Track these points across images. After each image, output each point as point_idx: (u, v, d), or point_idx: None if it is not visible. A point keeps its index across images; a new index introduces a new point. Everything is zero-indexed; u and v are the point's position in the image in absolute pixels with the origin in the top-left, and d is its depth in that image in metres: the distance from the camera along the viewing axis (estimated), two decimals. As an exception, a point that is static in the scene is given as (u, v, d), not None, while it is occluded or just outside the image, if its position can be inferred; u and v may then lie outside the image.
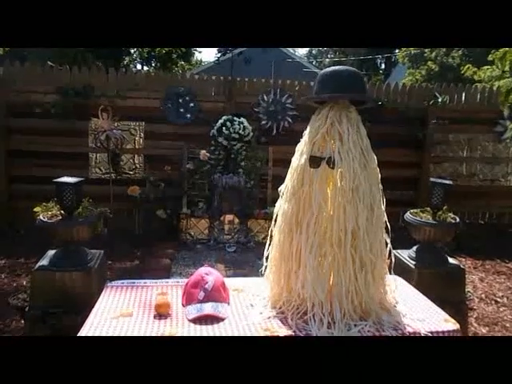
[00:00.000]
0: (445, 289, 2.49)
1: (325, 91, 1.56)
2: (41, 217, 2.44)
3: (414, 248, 2.75)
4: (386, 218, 1.62)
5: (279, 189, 1.68)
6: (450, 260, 2.71)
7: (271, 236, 1.71)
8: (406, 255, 2.74)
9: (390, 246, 1.65)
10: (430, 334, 1.52)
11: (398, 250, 2.75)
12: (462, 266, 2.76)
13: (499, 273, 4.25)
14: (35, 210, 2.50)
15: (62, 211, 2.45)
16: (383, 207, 1.59)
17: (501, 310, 3.40)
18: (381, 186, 1.59)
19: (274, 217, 1.69)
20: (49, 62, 4.88)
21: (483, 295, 3.66)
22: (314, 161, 1.55)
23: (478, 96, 5.40)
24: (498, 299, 3.60)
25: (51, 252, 2.55)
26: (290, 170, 1.64)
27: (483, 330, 3.03)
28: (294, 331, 1.49)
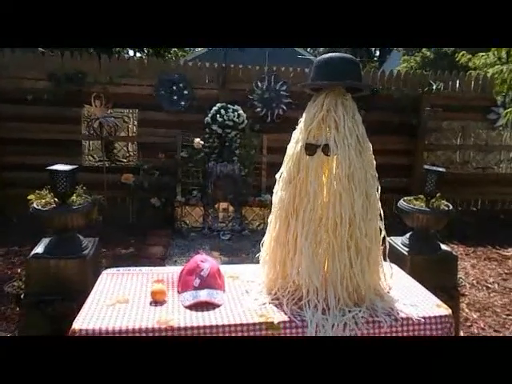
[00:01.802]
0: (437, 275, 2.51)
1: (321, 78, 1.55)
2: (34, 204, 2.42)
3: (407, 235, 2.78)
4: (380, 205, 1.63)
5: (276, 175, 1.68)
6: (443, 247, 2.74)
7: (268, 223, 1.72)
8: (399, 242, 2.76)
9: (384, 232, 1.66)
10: (422, 320, 1.54)
11: (392, 237, 2.77)
12: (454, 253, 2.79)
13: (490, 259, 4.31)
14: (29, 197, 2.49)
15: (56, 199, 2.43)
16: (378, 194, 1.60)
17: (491, 295, 3.46)
18: (376, 173, 1.60)
19: (273, 204, 1.70)
20: (39, 48, 4.81)
21: (475, 281, 3.72)
22: (310, 148, 1.55)
23: (472, 83, 5.41)
24: (489, 285, 3.66)
25: (46, 240, 2.54)
26: (286, 158, 1.65)
27: (474, 316, 3.09)
28: (289, 317, 1.51)
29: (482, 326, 2.96)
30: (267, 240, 1.72)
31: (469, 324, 2.97)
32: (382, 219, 1.62)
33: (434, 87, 5.13)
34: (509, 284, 3.71)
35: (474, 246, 4.60)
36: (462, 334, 2.80)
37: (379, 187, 1.61)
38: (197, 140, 4.54)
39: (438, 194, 2.68)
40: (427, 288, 1.82)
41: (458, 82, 5.39)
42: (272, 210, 1.69)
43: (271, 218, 1.70)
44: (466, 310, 3.15)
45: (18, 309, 2.67)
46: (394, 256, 2.39)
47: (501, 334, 2.85)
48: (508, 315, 3.13)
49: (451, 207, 2.68)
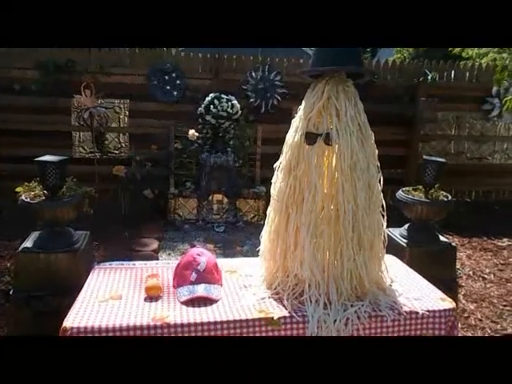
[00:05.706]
0: (436, 267, 2.48)
1: (321, 64, 1.49)
2: (23, 197, 2.35)
3: (406, 226, 2.74)
4: (382, 197, 1.58)
5: (275, 165, 1.62)
6: (442, 238, 2.71)
7: (266, 215, 1.66)
8: (398, 233, 2.72)
9: (384, 224, 1.61)
10: (426, 313, 1.50)
11: (390, 229, 2.73)
12: (453, 244, 2.76)
13: (486, 250, 4.30)
14: (17, 190, 2.41)
15: (45, 191, 2.36)
16: (380, 185, 1.54)
17: (488, 286, 3.45)
18: (378, 163, 1.54)
19: (271, 195, 1.64)
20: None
21: (471, 272, 3.70)
22: (310, 137, 1.49)
23: (467, 74, 5.37)
24: (486, 276, 3.65)
25: (35, 233, 2.47)
26: (285, 147, 1.58)
27: (471, 307, 3.07)
28: (290, 312, 1.46)
29: (480, 317, 2.94)
30: (266, 233, 1.66)
31: (466, 315, 2.96)
32: (384, 211, 1.57)
33: (430, 77, 5.07)
34: (504, 275, 3.70)
35: (468, 237, 4.58)
36: (459, 325, 2.78)
37: (381, 178, 1.56)
38: (191, 131, 4.45)
39: (436, 185, 2.64)
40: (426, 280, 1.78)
41: (452, 72, 5.34)
42: (271, 201, 1.63)
43: (270, 210, 1.64)
44: (463, 301, 3.14)
45: (6, 305, 2.60)
46: (392, 248, 2.34)
47: (498, 326, 2.83)
48: (505, 306, 3.11)
49: (450, 198, 2.65)
